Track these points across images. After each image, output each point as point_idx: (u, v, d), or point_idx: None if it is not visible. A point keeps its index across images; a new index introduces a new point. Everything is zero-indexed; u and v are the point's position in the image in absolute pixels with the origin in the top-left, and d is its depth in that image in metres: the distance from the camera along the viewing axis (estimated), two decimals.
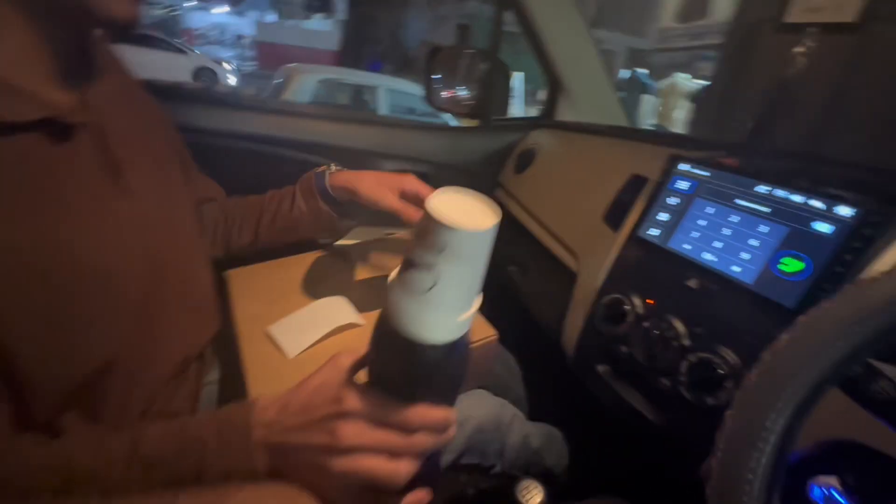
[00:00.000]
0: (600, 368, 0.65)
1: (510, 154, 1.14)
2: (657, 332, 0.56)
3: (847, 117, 0.66)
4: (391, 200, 0.65)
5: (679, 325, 0.55)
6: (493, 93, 1.10)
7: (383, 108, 4.65)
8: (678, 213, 0.60)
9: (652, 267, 0.61)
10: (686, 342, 0.54)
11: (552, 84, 1.14)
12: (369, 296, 0.68)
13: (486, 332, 0.65)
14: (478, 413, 0.67)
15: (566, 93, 1.13)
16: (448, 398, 0.36)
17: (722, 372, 0.49)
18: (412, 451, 0.34)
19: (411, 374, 0.32)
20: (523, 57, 1.08)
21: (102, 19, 0.38)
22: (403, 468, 0.33)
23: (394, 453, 0.33)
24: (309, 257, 0.77)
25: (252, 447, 0.34)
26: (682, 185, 0.61)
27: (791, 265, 0.47)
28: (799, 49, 0.49)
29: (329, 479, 0.34)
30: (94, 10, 0.37)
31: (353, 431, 0.32)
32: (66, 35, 0.40)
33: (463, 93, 1.20)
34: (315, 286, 0.70)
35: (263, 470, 0.34)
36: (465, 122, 1.23)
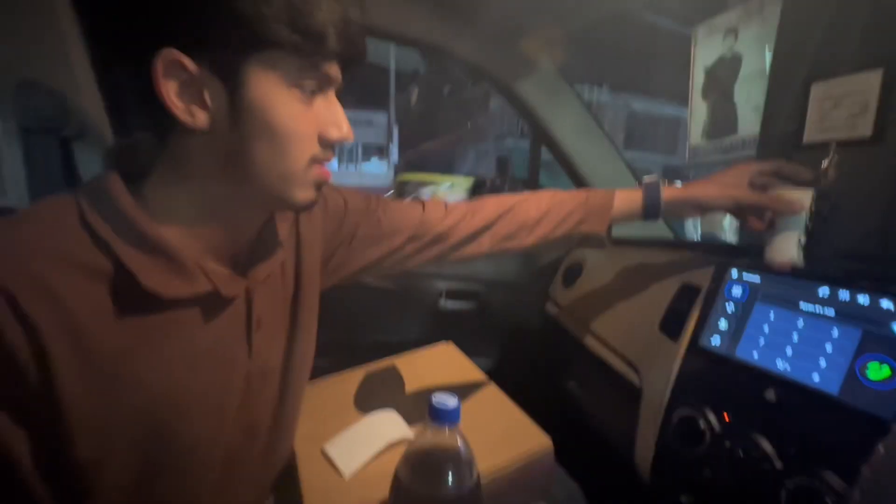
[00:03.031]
0: (684, 500, 0.58)
1: (557, 268, 1.18)
2: (742, 454, 0.50)
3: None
4: (745, 195, 0.62)
5: (766, 445, 0.49)
6: None
7: None
8: (739, 320, 0.58)
9: (721, 378, 0.57)
10: (778, 464, 0.48)
11: None
12: (419, 408, 0.68)
13: (539, 443, 0.61)
14: None
15: None
16: None
17: (830, 501, 0.42)
18: None
19: None
20: (561, 179, 1.18)
21: (288, 206, 0.41)
22: None
23: None
24: (357, 373, 0.80)
25: None
26: (737, 291, 0.60)
27: (878, 371, 0.44)
28: (825, 163, 0.52)
29: None
30: (283, 197, 0.39)
31: None
32: (248, 219, 0.43)
33: None
34: (366, 401, 0.72)
35: None
36: None
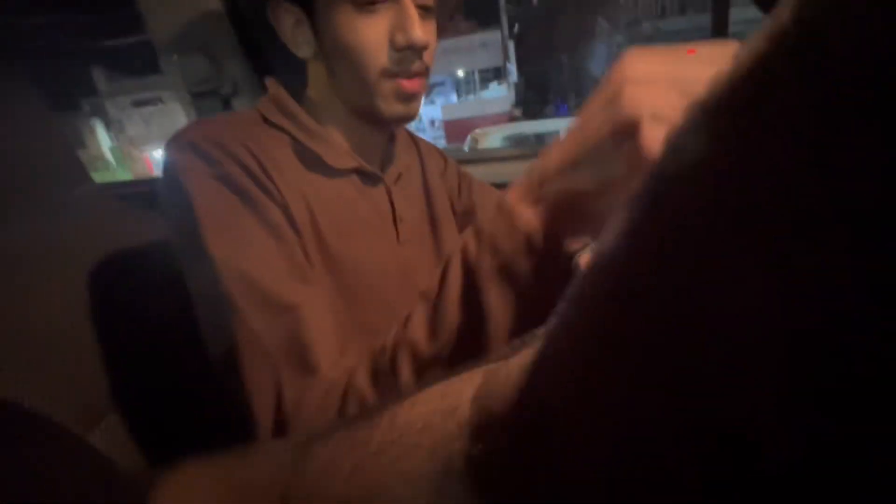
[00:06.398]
0: None
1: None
2: None
3: None
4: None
5: None
6: None
7: None
8: None
9: None
10: None
11: None
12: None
13: None
14: None
15: None
16: None
17: None
18: None
19: None
20: None
21: (377, 117, 0.48)
22: None
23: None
24: None
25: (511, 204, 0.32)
26: None
27: None
28: None
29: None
30: (368, 108, 0.47)
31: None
32: (366, 128, 0.51)
33: None
34: None
35: (535, 221, 0.31)
36: None
